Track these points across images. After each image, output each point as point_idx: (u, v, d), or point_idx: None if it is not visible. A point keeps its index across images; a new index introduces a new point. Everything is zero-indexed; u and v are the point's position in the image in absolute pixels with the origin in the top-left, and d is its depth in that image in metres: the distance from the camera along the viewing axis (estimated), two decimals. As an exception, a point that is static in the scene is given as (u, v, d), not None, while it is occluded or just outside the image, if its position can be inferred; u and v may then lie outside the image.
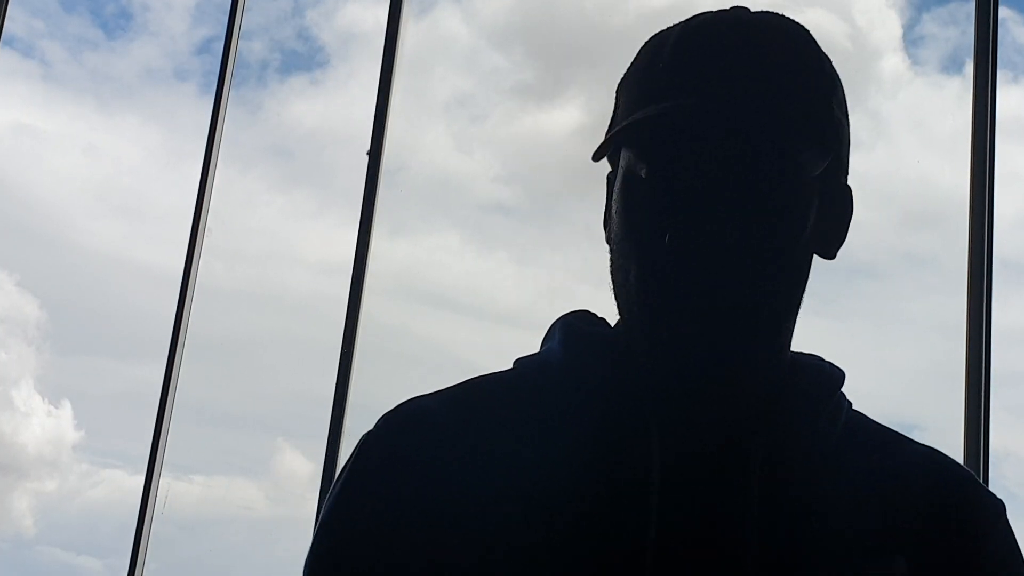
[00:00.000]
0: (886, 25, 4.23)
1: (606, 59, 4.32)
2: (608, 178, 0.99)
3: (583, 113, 4.32)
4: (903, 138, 4.17)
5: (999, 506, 0.98)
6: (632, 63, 0.97)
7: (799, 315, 0.95)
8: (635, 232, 0.90)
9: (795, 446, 0.91)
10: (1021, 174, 3.82)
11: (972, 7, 3.62)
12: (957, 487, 0.97)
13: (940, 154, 3.90)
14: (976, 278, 3.36)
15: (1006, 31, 3.62)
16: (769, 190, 0.88)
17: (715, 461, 0.89)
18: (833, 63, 0.96)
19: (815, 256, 0.95)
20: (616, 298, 0.94)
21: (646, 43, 0.96)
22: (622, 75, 0.98)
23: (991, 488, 1.01)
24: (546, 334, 1.01)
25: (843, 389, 0.98)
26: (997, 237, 3.41)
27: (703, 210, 0.87)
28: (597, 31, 4.47)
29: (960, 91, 3.74)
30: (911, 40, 4.22)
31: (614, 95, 0.98)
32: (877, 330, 4.00)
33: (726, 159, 0.88)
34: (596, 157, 0.95)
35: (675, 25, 0.95)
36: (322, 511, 0.95)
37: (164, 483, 4.13)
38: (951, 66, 4.12)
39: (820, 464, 0.92)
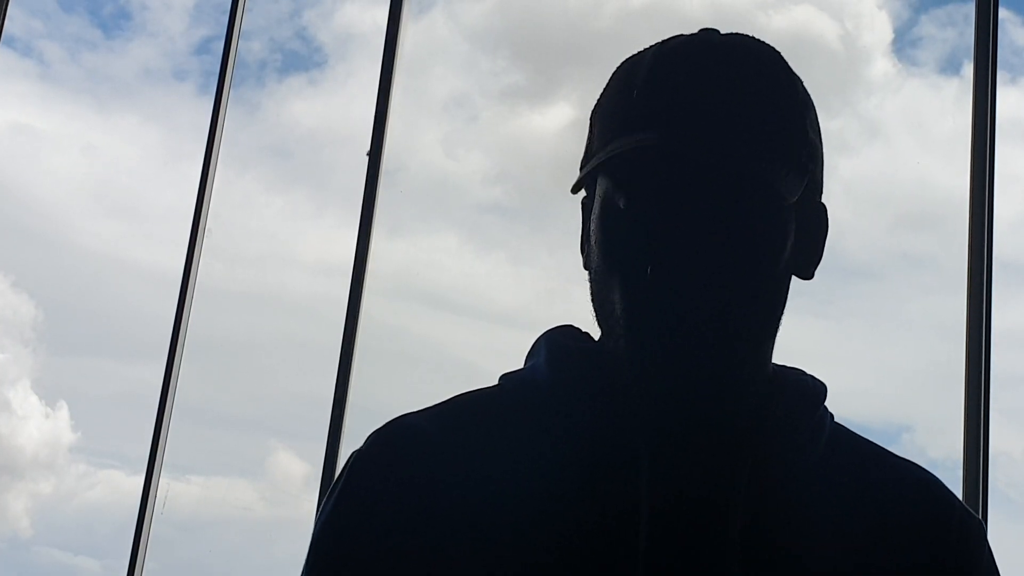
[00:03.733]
0: (884, 27, 4.23)
1: (598, 57, 4.33)
2: (583, 203, 0.99)
3: (578, 111, 4.33)
4: (901, 139, 4.18)
5: (982, 529, 0.99)
6: (605, 90, 0.97)
7: (783, 327, 0.95)
8: (617, 264, 0.90)
9: (779, 467, 0.92)
10: (1018, 176, 3.82)
11: (971, 8, 3.62)
12: (943, 510, 0.97)
13: (938, 155, 3.91)
14: (976, 279, 3.36)
15: (1004, 32, 3.62)
16: (748, 217, 0.88)
17: (702, 491, 0.89)
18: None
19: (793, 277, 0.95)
20: (600, 325, 0.95)
21: (617, 69, 0.96)
22: (595, 102, 0.97)
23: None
24: (531, 349, 1.01)
25: (832, 393, 0.99)
26: (995, 239, 3.41)
27: (683, 240, 0.87)
28: (586, 30, 4.47)
29: (958, 92, 3.74)
30: (909, 41, 4.23)
31: (588, 122, 0.98)
32: (875, 331, 4.00)
33: (704, 188, 0.87)
34: (575, 190, 0.95)
35: (646, 50, 0.95)
36: (314, 530, 0.95)
37: (163, 484, 4.13)
38: (948, 67, 4.13)
39: (804, 486, 0.92)
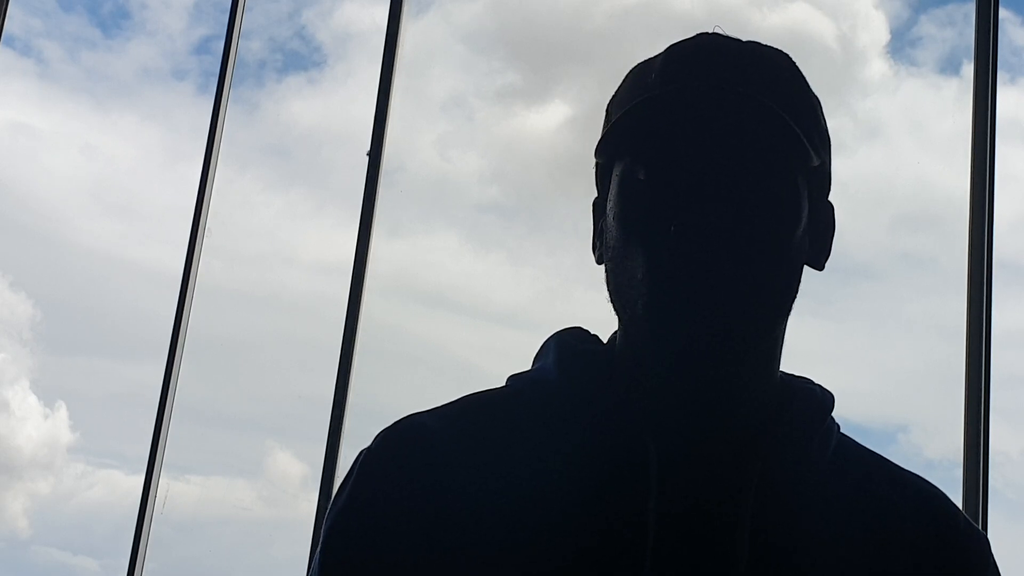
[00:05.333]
0: (881, 27, 4.23)
1: (592, 55, 4.33)
2: (595, 204, 0.99)
3: (574, 110, 4.32)
4: (900, 139, 4.18)
5: (986, 544, 0.99)
6: (619, 86, 0.98)
7: (789, 327, 0.95)
8: (638, 232, 0.90)
9: (785, 476, 0.92)
10: (1018, 176, 3.82)
11: (971, 8, 3.62)
12: (947, 524, 0.97)
13: (938, 155, 3.91)
14: (976, 279, 3.36)
15: (1004, 32, 3.62)
16: (767, 175, 0.89)
17: (710, 496, 0.89)
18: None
19: (805, 268, 0.95)
20: (616, 304, 0.94)
21: (632, 70, 0.97)
22: (610, 98, 0.98)
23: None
24: (539, 351, 1.01)
25: (833, 393, 0.98)
26: (995, 239, 3.41)
27: (704, 197, 0.87)
28: (580, 29, 4.48)
29: (958, 92, 3.74)
30: (908, 41, 4.23)
31: (604, 113, 0.98)
32: (874, 331, 4.00)
33: (724, 143, 0.88)
34: (599, 151, 0.94)
35: (658, 53, 0.96)
36: (324, 529, 0.95)
37: (162, 483, 4.13)
38: (948, 67, 4.12)
39: (809, 495, 0.92)
